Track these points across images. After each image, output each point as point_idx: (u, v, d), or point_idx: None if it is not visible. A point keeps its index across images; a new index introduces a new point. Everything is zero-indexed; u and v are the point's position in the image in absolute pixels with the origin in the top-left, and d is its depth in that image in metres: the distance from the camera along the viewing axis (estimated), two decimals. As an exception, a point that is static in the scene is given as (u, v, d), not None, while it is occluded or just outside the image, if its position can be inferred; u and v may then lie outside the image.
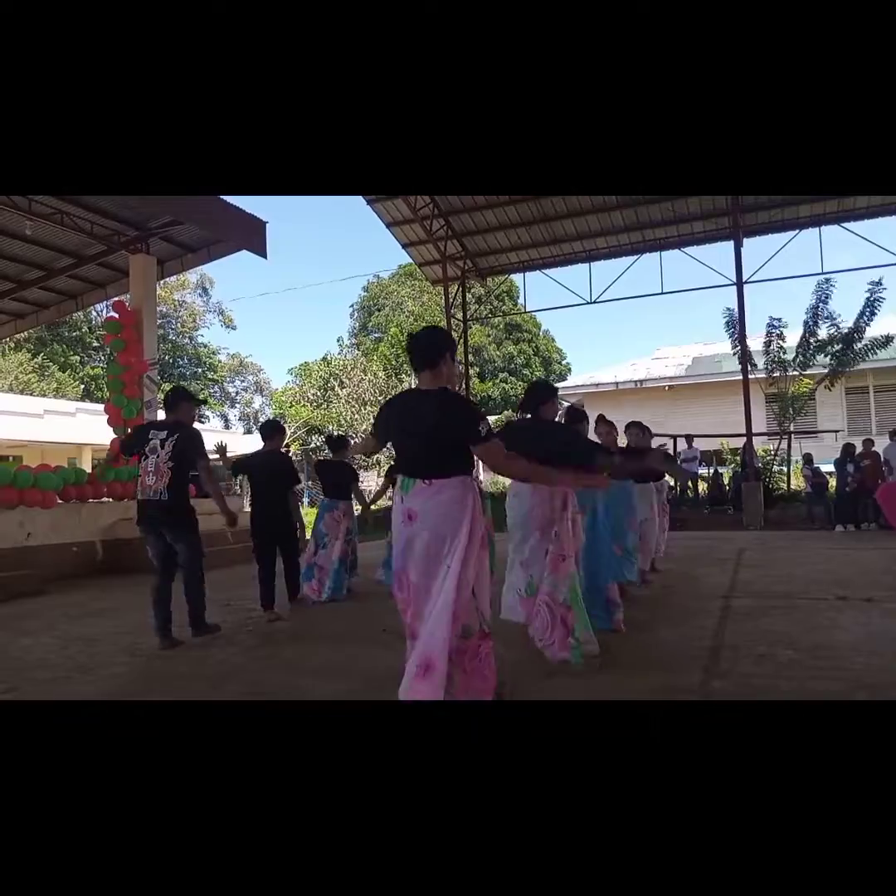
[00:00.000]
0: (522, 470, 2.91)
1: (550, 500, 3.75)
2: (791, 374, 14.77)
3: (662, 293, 15.25)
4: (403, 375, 24.53)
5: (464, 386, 16.80)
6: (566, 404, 4.64)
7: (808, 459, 13.50)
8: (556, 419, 4.18)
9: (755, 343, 15.12)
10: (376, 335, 36.09)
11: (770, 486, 14.47)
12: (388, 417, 2.82)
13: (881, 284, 13.69)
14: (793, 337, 14.73)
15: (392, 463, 7.25)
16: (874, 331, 14.24)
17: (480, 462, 2.71)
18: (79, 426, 21.86)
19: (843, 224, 13.41)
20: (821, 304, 14.17)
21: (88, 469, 11.45)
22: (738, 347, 14.04)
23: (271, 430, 5.63)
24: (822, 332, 14.36)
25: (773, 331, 14.56)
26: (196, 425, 4.87)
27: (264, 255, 10.42)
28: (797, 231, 13.79)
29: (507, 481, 4.06)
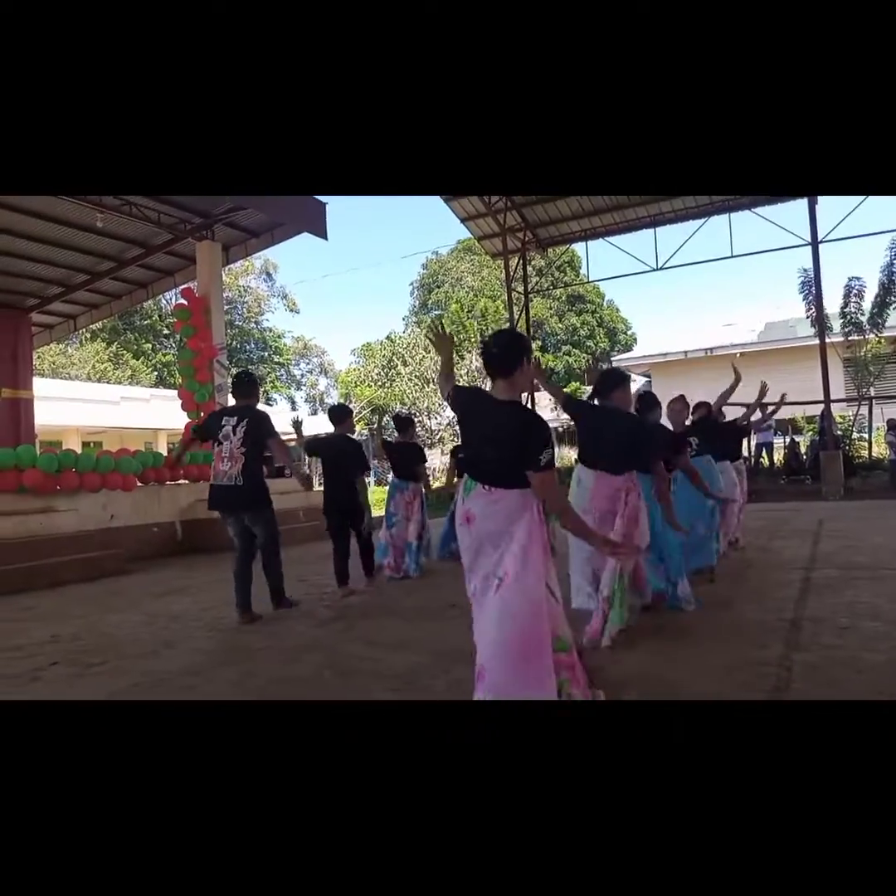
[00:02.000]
0: (565, 511, 2.73)
1: (613, 490, 3.70)
2: (868, 337, 14.08)
3: (732, 256, 14.72)
4: (464, 352, 24.50)
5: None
6: (639, 380, 4.52)
7: (892, 425, 12.87)
8: (631, 406, 4.07)
9: (832, 306, 14.46)
10: (436, 312, 36.07)
11: (850, 454, 13.89)
12: (464, 405, 2.78)
13: None
14: (872, 298, 14.03)
15: (456, 445, 7.30)
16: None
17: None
18: (153, 412, 22.72)
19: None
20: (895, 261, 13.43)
21: (164, 453, 11.88)
22: (813, 310, 13.45)
23: (341, 415, 5.69)
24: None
25: (852, 290, 13.87)
26: (262, 407, 4.96)
27: (325, 237, 10.52)
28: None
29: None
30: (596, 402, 4.00)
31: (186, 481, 9.79)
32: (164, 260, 12.78)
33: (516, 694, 2.36)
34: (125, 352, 33.36)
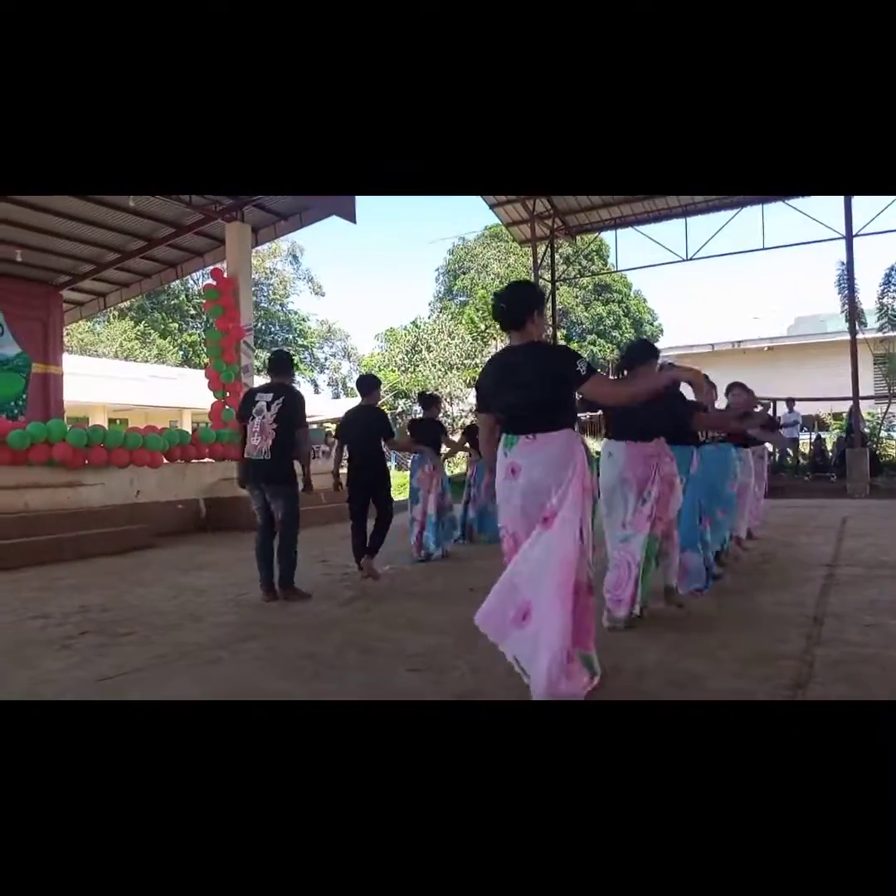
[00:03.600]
0: (633, 390, 2.77)
1: (645, 460, 3.70)
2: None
3: (764, 249, 14.48)
4: (489, 339, 24.40)
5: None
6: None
7: (921, 424, 12.68)
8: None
9: (869, 302, 14.21)
10: (461, 299, 35.94)
11: (877, 452, 13.69)
12: (490, 377, 2.79)
13: None
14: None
15: (470, 423, 7.32)
16: None
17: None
18: (180, 390, 22.92)
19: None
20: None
21: (190, 431, 12.02)
22: (847, 304, 13.23)
23: (368, 386, 5.69)
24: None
25: (890, 282, 13.61)
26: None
27: (353, 220, 10.53)
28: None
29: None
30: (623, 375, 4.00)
31: (211, 460, 9.91)
32: (194, 240, 12.85)
33: (556, 641, 2.37)
34: (152, 331, 33.67)
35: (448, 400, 25.76)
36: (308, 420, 5.90)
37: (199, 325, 33.52)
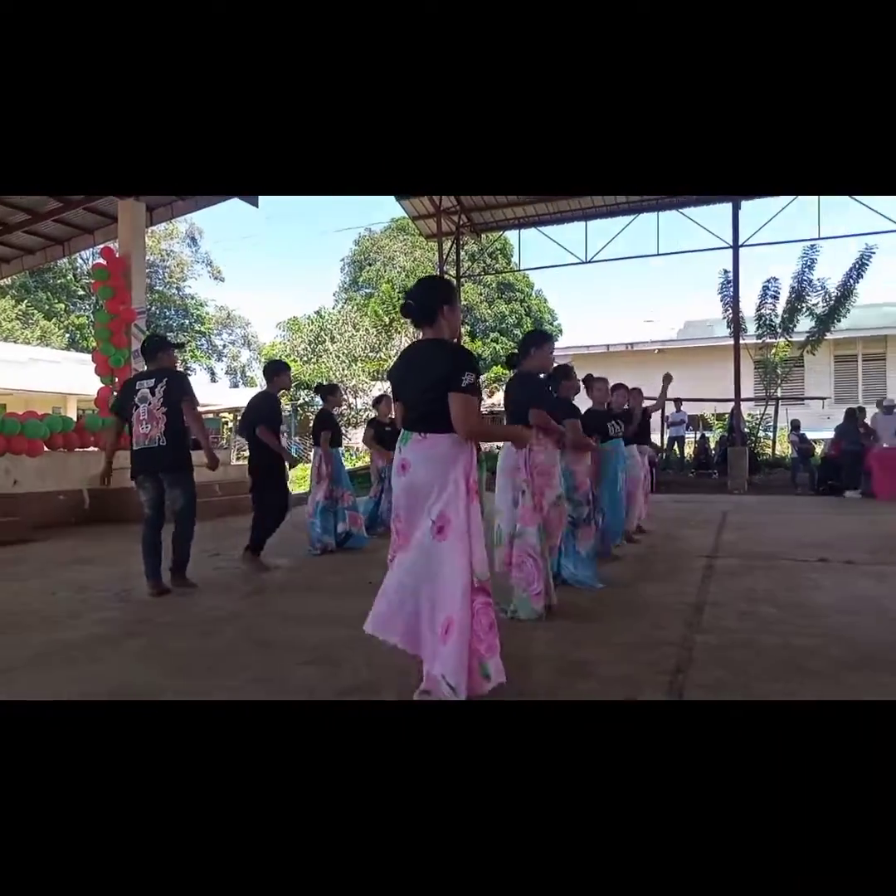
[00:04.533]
0: (484, 432, 2.78)
1: (516, 451, 3.79)
2: (779, 340, 14.81)
3: (658, 254, 15.13)
4: (394, 333, 24.34)
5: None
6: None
7: (795, 425, 13.60)
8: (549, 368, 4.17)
9: (749, 309, 15.11)
10: (367, 290, 35.66)
11: (755, 451, 14.60)
12: (396, 371, 2.78)
13: (870, 249, 13.71)
14: (784, 303, 14.75)
15: (374, 416, 7.27)
16: (864, 299, 14.27)
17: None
18: (64, 375, 21.63)
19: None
20: (807, 270, 14.15)
21: (74, 418, 11.35)
22: (729, 311, 14.01)
23: (267, 372, 5.54)
24: (811, 300, 14.36)
25: (768, 292, 14.52)
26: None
27: (255, 203, 10.24)
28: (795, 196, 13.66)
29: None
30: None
31: (96, 449, 9.41)
32: (83, 216, 12.13)
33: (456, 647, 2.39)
34: (36, 311, 31.59)
35: (352, 392, 25.52)
36: (205, 409, 5.68)
37: (87, 307, 31.74)
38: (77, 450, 9.13)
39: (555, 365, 4.41)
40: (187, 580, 4.63)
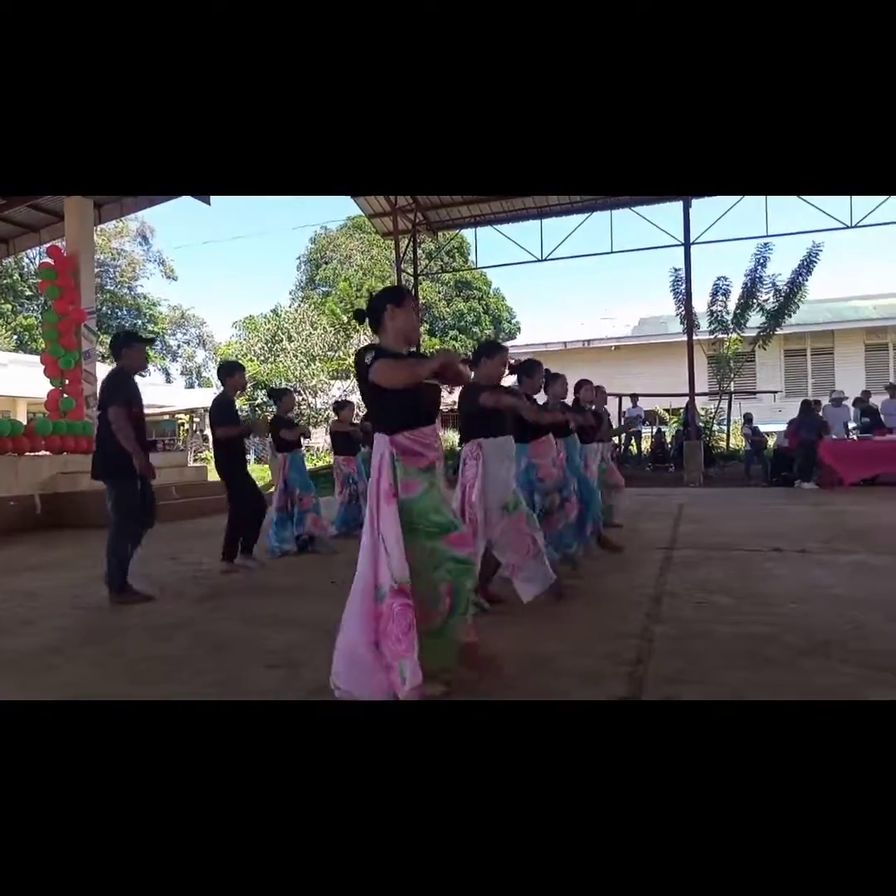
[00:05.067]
0: (414, 369, 2.55)
1: (462, 459, 3.78)
2: (731, 335, 15.15)
3: (612, 252, 15.33)
4: (352, 332, 24.16)
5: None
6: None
7: (748, 419, 13.93)
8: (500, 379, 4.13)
9: (702, 305, 15.41)
10: (324, 289, 35.39)
11: (710, 444, 14.90)
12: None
13: (818, 247, 14.12)
14: (736, 299, 15.09)
15: (334, 420, 7.16)
16: (812, 295, 14.68)
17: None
18: (12, 378, 21.00)
19: (788, 188, 13.61)
20: (759, 267, 14.50)
21: (24, 421, 11.03)
22: (682, 308, 14.27)
23: (220, 373, 5.44)
24: (762, 296, 14.73)
25: (719, 290, 14.84)
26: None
27: (207, 201, 10.08)
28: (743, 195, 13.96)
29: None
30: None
31: (48, 453, 9.17)
32: (27, 214, 11.80)
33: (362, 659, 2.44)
34: (-20, 312, 30.62)
35: (311, 392, 25.29)
36: (161, 411, 5.56)
37: (35, 308, 30.84)
38: (28, 454, 8.87)
39: (521, 361, 4.45)
40: (125, 591, 4.33)
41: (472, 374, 3.75)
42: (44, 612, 4.14)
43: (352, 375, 19.44)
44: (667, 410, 18.79)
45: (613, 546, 5.53)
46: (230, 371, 5.38)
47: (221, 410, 5.23)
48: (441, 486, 2.64)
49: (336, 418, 7.08)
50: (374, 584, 2.44)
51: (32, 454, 8.97)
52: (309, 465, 8.04)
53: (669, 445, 15.48)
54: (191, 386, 36.33)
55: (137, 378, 4.52)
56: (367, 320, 2.68)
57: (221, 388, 5.44)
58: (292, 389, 16.68)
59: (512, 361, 4.34)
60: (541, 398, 4.79)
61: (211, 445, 5.21)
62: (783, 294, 14.47)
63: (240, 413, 5.66)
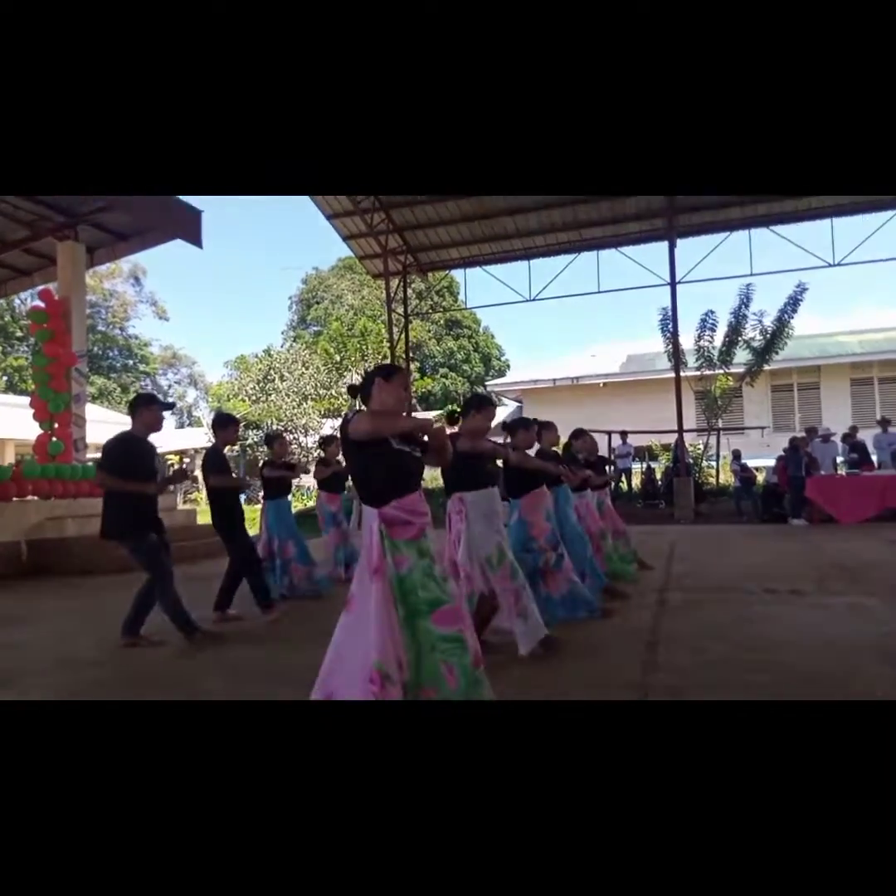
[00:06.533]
0: (395, 423, 2.61)
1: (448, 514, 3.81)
2: (717, 372, 15.32)
3: (599, 292, 15.52)
4: (345, 371, 24.26)
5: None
6: (511, 405, 4.64)
7: (736, 455, 13.98)
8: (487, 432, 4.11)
9: (688, 342, 15.58)
10: (315, 328, 35.66)
11: (699, 480, 14.93)
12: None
13: (803, 286, 14.38)
14: (722, 337, 15.30)
15: (322, 457, 7.12)
16: (798, 330, 14.90)
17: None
18: (1, 419, 20.90)
19: (771, 227, 13.91)
20: (743, 306, 14.73)
21: (11, 464, 10.95)
22: (670, 345, 14.42)
23: (214, 425, 5.44)
24: (747, 333, 14.95)
25: (706, 325, 15.05)
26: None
27: (199, 245, 10.15)
28: (728, 233, 14.22)
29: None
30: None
31: (36, 498, 9.07)
32: (20, 258, 11.89)
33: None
34: (-31, 353, 30.63)
35: (303, 432, 25.27)
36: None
37: (26, 350, 30.90)
38: (15, 499, 8.77)
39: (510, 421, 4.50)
40: (196, 629, 4.54)
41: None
42: (26, 669, 4.03)
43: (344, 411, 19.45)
44: (659, 445, 18.86)
45: (619, 594, 5.45)
46: (223, 424, 5.39)
47: (212, 461, 5.25)
48: (432, 548, 2.63)
49: (323, 454, 7.07)
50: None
51: (19, 499, 8.86)
52: (299, 505, 7.98)
53: (660, 482, 15.50)
54: (181, 426, 36.31)
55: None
56: (355, 393, 2.78)
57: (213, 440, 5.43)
58: (284, 430, 16.61)
59: (504, 420, 4.37)
60: (532, 451, 4.78)
61: (206, 496, 5.23)
62: (769, 332, 14.70)
63: (231, 453, 5.64)
